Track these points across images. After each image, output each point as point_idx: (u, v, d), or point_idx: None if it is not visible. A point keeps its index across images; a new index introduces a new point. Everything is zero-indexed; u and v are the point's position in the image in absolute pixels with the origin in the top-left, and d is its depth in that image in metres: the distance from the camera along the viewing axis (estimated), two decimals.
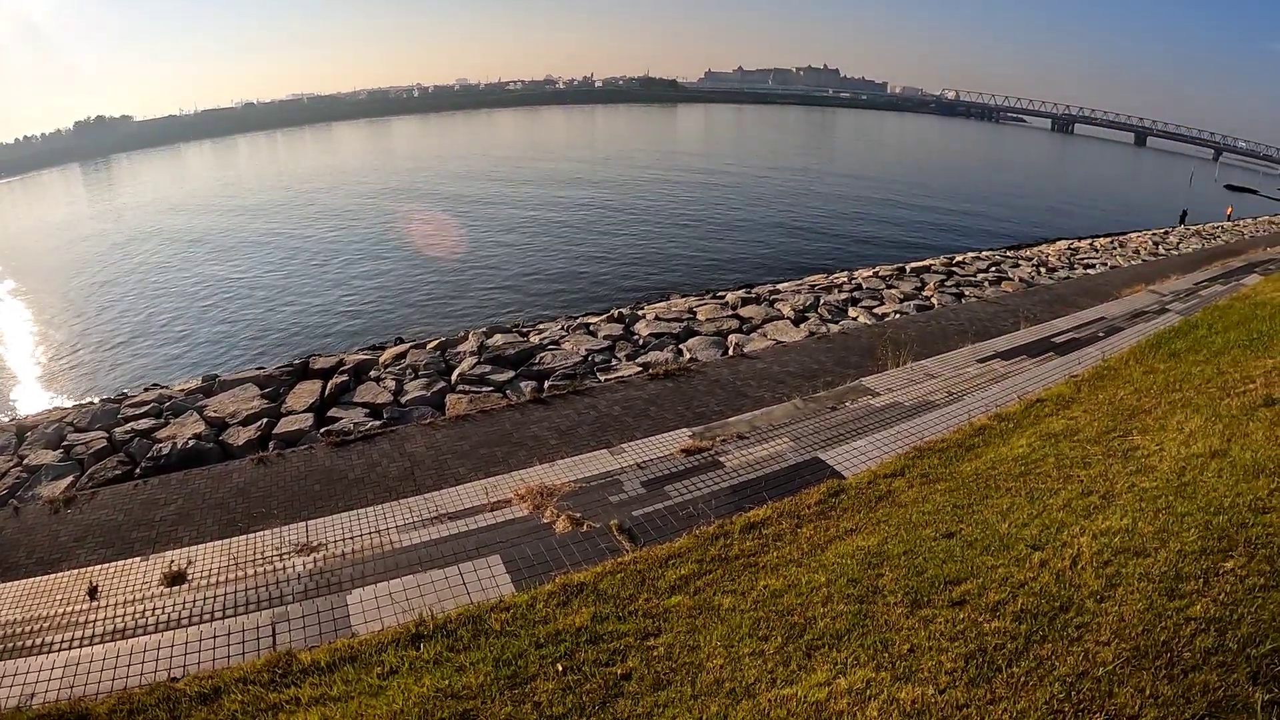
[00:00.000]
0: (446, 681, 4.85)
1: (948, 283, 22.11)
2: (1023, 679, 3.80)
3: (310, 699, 4.96)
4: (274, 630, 6.15)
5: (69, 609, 7.08)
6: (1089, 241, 38.16)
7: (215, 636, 6.14)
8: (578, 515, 7.67)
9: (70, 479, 10.94)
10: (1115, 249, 33.03)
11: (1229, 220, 56.90)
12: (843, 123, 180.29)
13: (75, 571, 7.75)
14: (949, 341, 14.50)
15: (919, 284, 21.91)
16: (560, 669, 4.88)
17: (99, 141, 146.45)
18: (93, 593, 7.25)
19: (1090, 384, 10.29)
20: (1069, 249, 32.84)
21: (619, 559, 6.55)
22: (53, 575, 7.76)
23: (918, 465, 8.04)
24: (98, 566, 7.77)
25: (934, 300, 19.72)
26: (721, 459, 9.01)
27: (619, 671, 4.79)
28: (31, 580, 7.70)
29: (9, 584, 7.66)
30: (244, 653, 5.91)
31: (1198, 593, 4.37)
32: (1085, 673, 3.74)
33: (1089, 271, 25.60)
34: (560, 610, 5.68)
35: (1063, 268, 26.37)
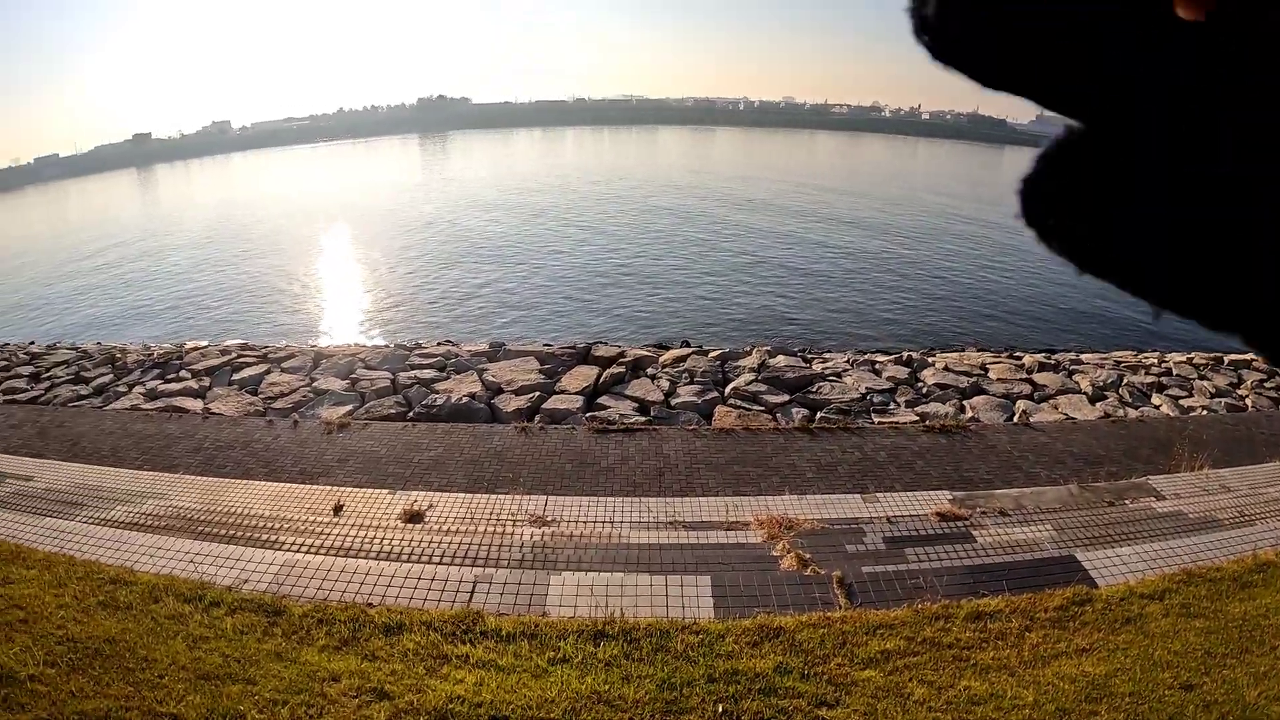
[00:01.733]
0: (607, 687, 4.85)
1: (1268, 384, 19.02)
2: None
3: (478, 660, 5.10)
4: (474, 588, 6.60)
5: (311, 518, 8.18)
6: None
7: (422, 579, 6.68)
8: (807, 556, 7.54)
9: (349, 407, 12.63)
10: None
11: None
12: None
13: (329, 488, 8.92)
14: (1256, 453, 12.69)
15: (1235, 379, 19.01)
16: (720, 710, 4.80)
17: (438, 117, 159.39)
18: (337, 509, 8.25)
19: None
20: None
21: (828, 613, 6.39)
22: (309, 486, 9.02)
23: (1182, 592, 7.41)
24: (350, 489, 8.79)
25: (1248, 401, 17.14)
26: (974, 532, 8.58)
27: None
28: (289, 485, 9.03)
29: (269, 484, 9.11)
30: (440, 601, 6.31)
31: None
32: None
33: None
34: (749, 650, 5.57)
35: None
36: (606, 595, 6.46)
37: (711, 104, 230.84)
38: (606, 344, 16.79)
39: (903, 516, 8.80)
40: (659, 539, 7.70)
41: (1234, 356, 22.40)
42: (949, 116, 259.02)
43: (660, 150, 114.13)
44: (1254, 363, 21.69)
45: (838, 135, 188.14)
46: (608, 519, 8.08)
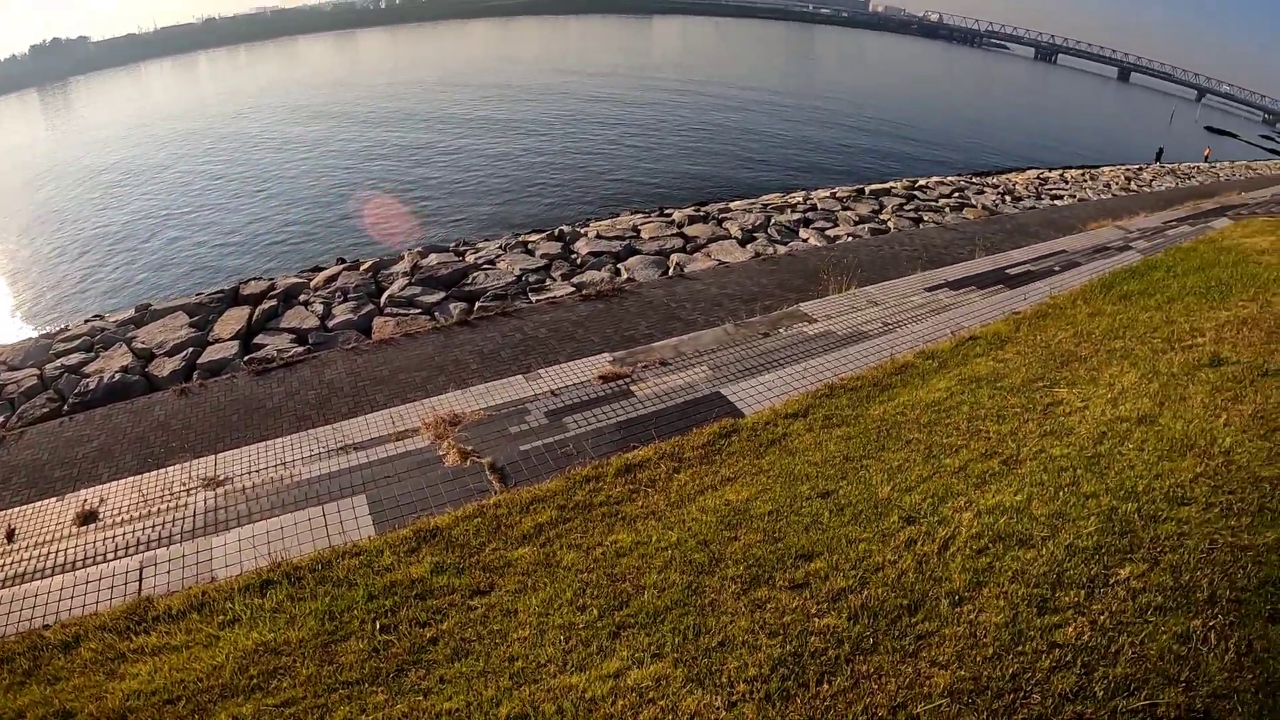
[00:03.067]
0: (272, 635, 4.60)
1: (907, 207, 21.01)
2: (826, 704, 3.11)
3: (152, 648, 4.77)
4: (141, 574, 5.95)
5: None
6: (1060, 172, 36.92)
7: (92, 581, 6.00)
8: (469, 449, 7.20)
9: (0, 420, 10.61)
10: (1086, 181, 31.96)
11: (1206, 161, 55.75)
12: (822, 40, 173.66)
13: None
14: (900, 268, 13.64)
15: (877, 207, 20.81)
16: (378, 627, 4.55)
17: (57, 66, 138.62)
18: (10, 536, 7.09)
19: (1031, 323, 9.53)
20: (1038, 179, 31.70)
21: (482, 501, 6.13)
22: None
23: (825, 405, 7.30)
24: (18, 509, 7.57)
25: (890, 224, 18.70)
26: (634, 388, 8.41)
27: (429, 635, 4.40)
28: None
29: None
30: (112, 599, 5.72)
31: (1076, 608, 3.68)
32: (902, 705, 3.04)
33: (1056, 203, 24.59)
34: (406, 558, 5.33)
35: (1029, 197, 25.33)
36: (270, 541, 6.09)
37: (352, 5, 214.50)
38: (256, 279, 15.32)
39: (567, 387, 8.71)
40: (329, 468, 7.37)
41: (874, 186, 24.52)
42: None
43: (287, 67, 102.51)
44: (893, 189, 23.84)
45: (488, 22, 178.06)
46: (280, 461, 7.67)
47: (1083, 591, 3.77)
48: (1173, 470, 4.79)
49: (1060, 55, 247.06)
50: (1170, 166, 46.96)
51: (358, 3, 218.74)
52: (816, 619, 3.72)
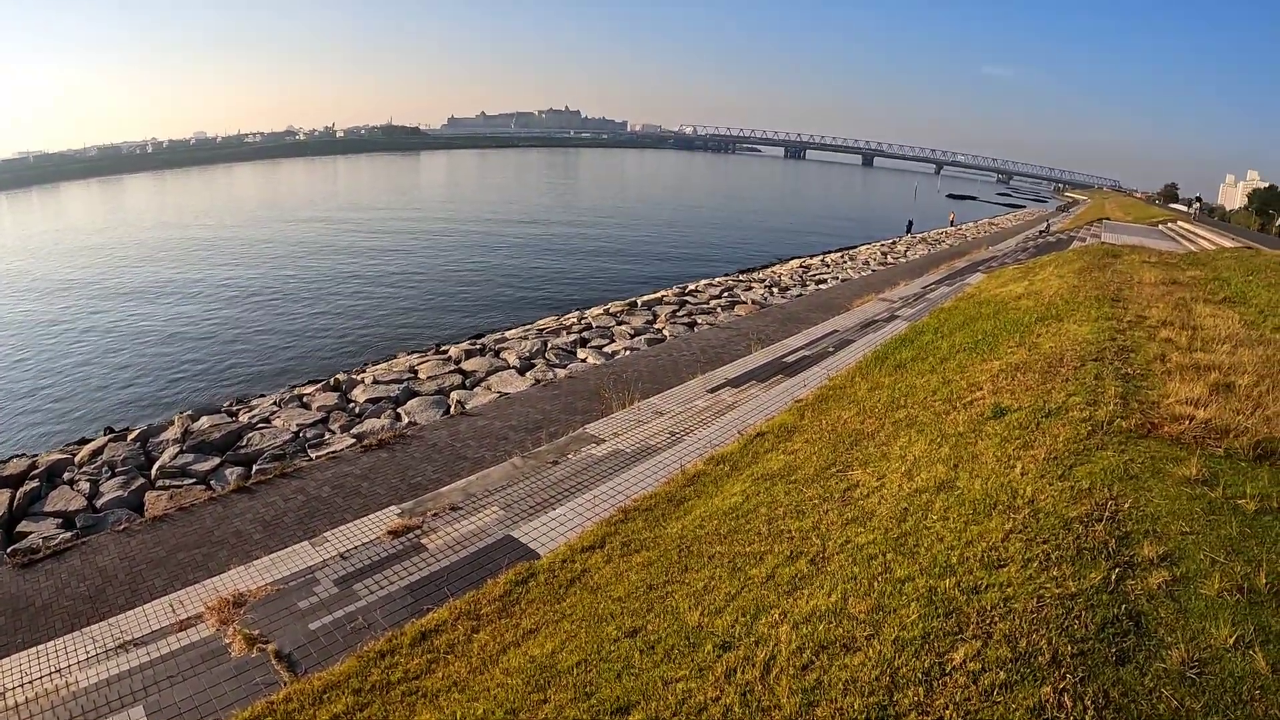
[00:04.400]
0: None
1: (680, 313, 21.70)
2: None
3: None
4: None
5: None
6: (820, 257, 40.07)
7: None
8: (255, 633, 6.56)
9: None
10: (846, 262, 34.72)
11: (952, 225, 63.00)
12: (585, 162, 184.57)
13: None
14: (680, 374, 13.67)
15: (650, 317, 21.31)
16: None
17: None
18: None
19: (814, 408, 9.56)
20: (801, 267, 34.08)
21: (271, 698, 5.50)
22: None
23: (621, 531, 6.74)
24: None
25: (665, 332, 19.10)
26: (425, 540, 7.90)
27: None
28: None
29: None
30: None
31: (918, 709, 3.18)
32: None
33: (821, 286, 26.33)
34: None
35: (796, 285, 27.00)
36: None
37: (118, 150, 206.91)
38: (17, 457, 14.02)
39: (355, 548, 8.13)
40: (106, 673, 6.48)
41: (646, 297, 25.01)
42: (364, 131, 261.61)
43: (61, 212, 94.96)
44: (665, 297, 24.38)
45: (257, 165, 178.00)
46: (54, 669, 6.74)
47: (921, 688, 3.31)
48: (982, 533, 4.55)
49: (809, 151, 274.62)
50: (921, 235, 52.33)
51: (124, 147, 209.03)
52: None
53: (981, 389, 7.86)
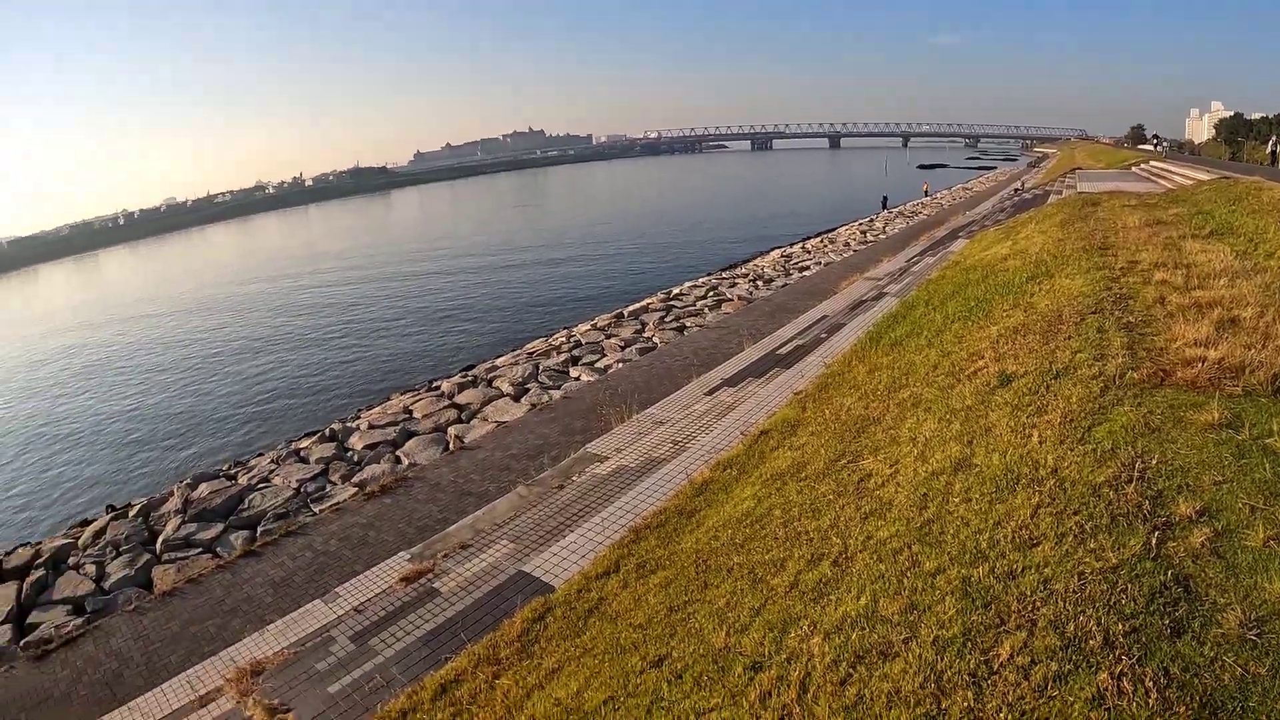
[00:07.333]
0: None
1: (668, 318, 21.55)
2: None
3: None
4: None
5: None
6: (800, 245, 39.85)
7: None
8: (275, 701, 6.27)
9: None
10: (826, 246, 34.60)
11: (927, 195, 63.06)
12: (553, 181, 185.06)
13: None
14: (676, 380, 13.50)
15: (639, 326, 21.14)
16: None
17: None
18: None
19: (815, 398, 9.32)
20: (783, 256, 33.94)
21: None
22: None
23: (635, 553, 6.47)
24: None
25: (656, 339, 18.93)
26: (438, 583, 7.62)
27: None
28: None
29: None
30: None
31: (969, 714, 2.96)
32: None
33: (805, 274, 26.17)
34: None
35: (779, 276, 26.84)
36: None
37: (90, 226, 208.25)
38: (21, 547, 13.86)
39: (369, 600, 7.81)
40: None
41: (632, 307, 24.86)
42: (332, 177, 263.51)
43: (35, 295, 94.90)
44: (650, 305, 24.21)
45: (228, 224, 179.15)
46: None
47: (969, 692, 3.06)
48: (1009, 512, 4.32)
49: (774, 140, 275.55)
50: (898, 209, 52.23)
51: (95, 223, 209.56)
52: None
53: (983, 357, 7.63)
